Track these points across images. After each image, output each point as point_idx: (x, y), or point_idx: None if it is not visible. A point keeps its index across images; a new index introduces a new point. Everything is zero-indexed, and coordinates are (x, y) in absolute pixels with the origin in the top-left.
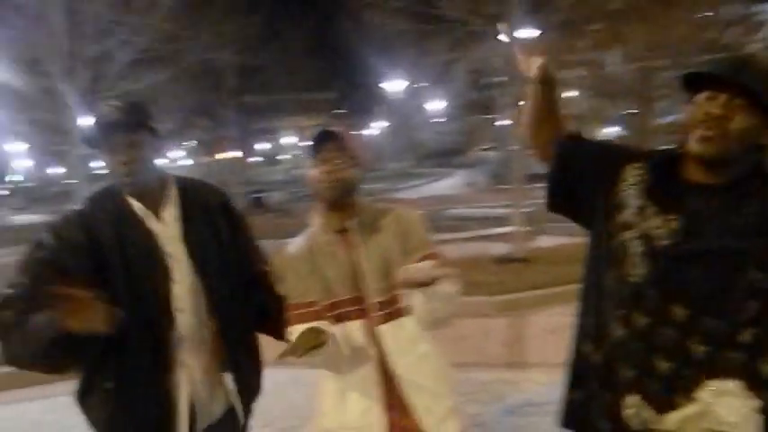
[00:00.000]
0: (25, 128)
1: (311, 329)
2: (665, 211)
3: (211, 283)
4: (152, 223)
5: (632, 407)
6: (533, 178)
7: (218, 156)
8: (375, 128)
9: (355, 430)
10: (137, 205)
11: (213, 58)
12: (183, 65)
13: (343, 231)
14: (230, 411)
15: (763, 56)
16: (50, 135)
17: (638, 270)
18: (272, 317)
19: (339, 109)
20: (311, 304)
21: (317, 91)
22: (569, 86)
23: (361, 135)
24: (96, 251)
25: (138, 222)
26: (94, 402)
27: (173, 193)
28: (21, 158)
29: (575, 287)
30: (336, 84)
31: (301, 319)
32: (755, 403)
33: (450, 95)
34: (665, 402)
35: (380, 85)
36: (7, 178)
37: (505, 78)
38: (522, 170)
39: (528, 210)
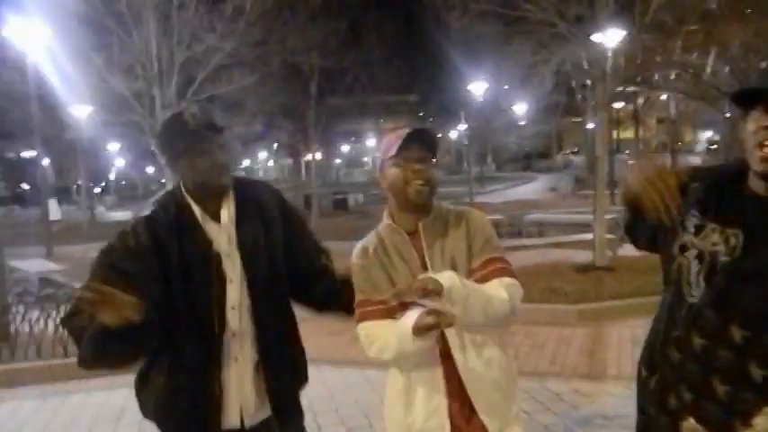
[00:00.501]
0: (120, 129)
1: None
2: (726, 225)
3: (258, 283)
4: (209, 225)
5: (690, 430)
6: (618, 184)
7: (303, 157)
8: (457, 131)
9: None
10: (195, 208)
11: (298, 61)
12: (269, 69)
13: (413, 232)
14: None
15: None
16: (143, 136)
17: (695, 290)
18: (339, 300)
19: (422, 111)
20: (382, 302)
21: (399, 94)
22: (662, 89)
23: (441, 136)
24: (159, 255)
25: (196, 225)
26: (148, 395)
27: (230, 195)
28: (115, 158)
29: (657, 298)
30: (419, 86)
31: (372, 317)
32: None
33: (534, 98)
34: (723, 427)
35: (462, 86)
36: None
37: (591, 81)
38: (606, 175)
39: (611, 216)
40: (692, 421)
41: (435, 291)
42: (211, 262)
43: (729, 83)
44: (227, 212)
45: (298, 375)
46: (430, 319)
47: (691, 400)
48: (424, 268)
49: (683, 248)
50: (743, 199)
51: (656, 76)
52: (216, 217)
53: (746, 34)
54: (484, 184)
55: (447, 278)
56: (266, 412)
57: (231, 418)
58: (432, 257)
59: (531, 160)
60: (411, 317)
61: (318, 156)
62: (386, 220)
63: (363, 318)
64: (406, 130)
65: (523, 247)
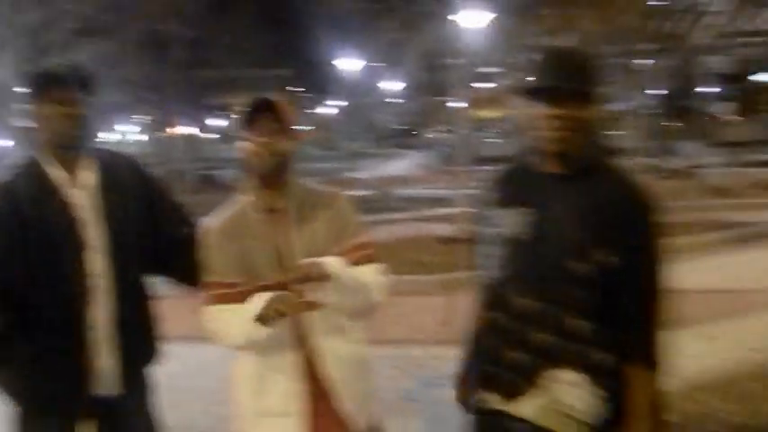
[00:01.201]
0: None
1: (283, 296)
2: (522, 206)
3: (118, 251)
4: (69, 191)
5: (484, 395)
6: (481, 161)
7: (170, 131)
8: (331, 107)
9: (276, 416)
10: (55, 173)
11: (159, 29)
12: (128, 36)
13: (274, 211)
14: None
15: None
16: None
17: (493, 272)
18: (194, 279)
19: (294, 86)
20: (233, 285)
21: (271, 68)
22: (522, 71)
23: (294, 107)
24: (16, 221)
25: (55, 190)
26: (10, 372)
27: (91, 162)
28: None
29: None
30: (291, 61)
31: (222, 300)
32: (594, 390)
33: (405, 76)
34: (513, 389)
35: (334, 63)
36: None
37: (456, 60)
38: (470, 153)
39: (474, 192)
40: (486, 385)
41: (321, 277)
42: (72, 228)
43: None
44: (88, 179)
45: (150, 349)
46: (278, 308)
47: (486, 368)
48: (283, 251)
49: (486, 237)
50: (535, 179)
51: (516, 58)
52: (77, 183)
53: (601, 20)
54: (357, 160)
55: (332, 265)
56: (119, 384)
57: (100, 385)
58: (292, 240)
59: (402, 137)
60: (258, 303)
61: (192, 130)
62: (244, 197)
63: (212, 300)
64: (253, 103)
65: (391, 221)
